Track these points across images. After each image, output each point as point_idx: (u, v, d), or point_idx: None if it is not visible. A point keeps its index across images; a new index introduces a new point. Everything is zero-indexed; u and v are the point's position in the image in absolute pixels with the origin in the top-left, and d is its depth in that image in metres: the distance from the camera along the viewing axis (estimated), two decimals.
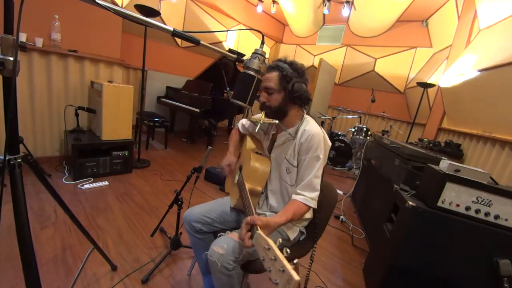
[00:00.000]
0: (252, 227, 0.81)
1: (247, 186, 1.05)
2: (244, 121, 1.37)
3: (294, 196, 1.02)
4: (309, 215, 1.15)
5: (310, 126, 1.06)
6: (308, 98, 1.07)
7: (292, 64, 1.06)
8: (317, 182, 1.03)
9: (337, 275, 1.68)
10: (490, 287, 1.16)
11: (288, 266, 0.57)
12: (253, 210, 0.89)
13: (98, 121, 2.48)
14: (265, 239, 0.68)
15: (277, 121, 1.06)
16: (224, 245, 0.92)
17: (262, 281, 1.48)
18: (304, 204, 1.00)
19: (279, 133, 1.14)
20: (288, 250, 0.62)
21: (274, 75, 1.04)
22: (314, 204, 1.02)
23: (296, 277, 0.54)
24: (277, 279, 0.58)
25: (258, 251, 0.69)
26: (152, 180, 2.57)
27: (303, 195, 1.01)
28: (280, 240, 0.68)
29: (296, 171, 1.07)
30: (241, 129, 1.38)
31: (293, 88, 1.02)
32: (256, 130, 1.09)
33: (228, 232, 1.02)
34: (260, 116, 1.09)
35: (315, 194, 1.02)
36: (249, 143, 1.27)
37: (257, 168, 1.11)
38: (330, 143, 1.08)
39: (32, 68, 2.26)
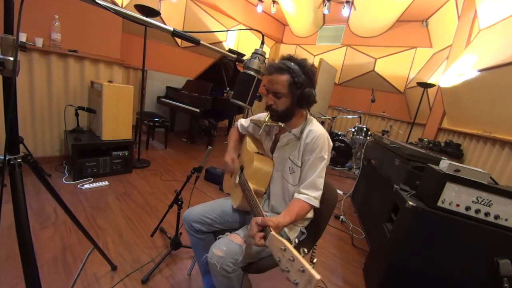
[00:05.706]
0: (264, 228, 0.80)
1: (252, 186, 1.04)
2: (243, 121, 1.36)
3: (296, 195, 1.02)
4: (310, 214, 1.15)
5: (315, 127, 1.06)
6: (314, 101, 1.05)
7: (302, 67, 1.00)
8: (321, 182, 1.03)
9: (337, 275, 1.68)
10: (490, 287, 1.16)
11: (308, 266, 0.57)
12: (262, 211, 0.88)
13: (98, 121, 2.48)
14: (280, 240, 0.68)
15: (283, 124, 1.05)
16: (223, 248, 0.91)
17: (262, 281, 1.48)
18: (307, 203, 0.99)
19: (282, 133, 1.13)
20: (305, 250, 0.63)
21: (284, 78, 0.99)
22: (317, 203, 1.02)
23: (317, 276, 0.55)
24: (297, 279, 0.58)
25: (274, 252, 0.69)
26: (152, 180, 2.56)
27: (306, 194, 1.00)
28: (297, 240, 0.68)
29: (300, 171, 1.07)
30: (240, 129, 1.37)
31: (303, 94, 1.00)
32: (260, 133, 1.08)
33: (228, 233, 1.01)
34: (264, 117, 1.08)
35: (318, 194, 1.02)
36: (250, 144, 1.26)
37: (260, 168, 1.11)
38: (331, 144, 1.08)
39: (32, 68, 2.26)
